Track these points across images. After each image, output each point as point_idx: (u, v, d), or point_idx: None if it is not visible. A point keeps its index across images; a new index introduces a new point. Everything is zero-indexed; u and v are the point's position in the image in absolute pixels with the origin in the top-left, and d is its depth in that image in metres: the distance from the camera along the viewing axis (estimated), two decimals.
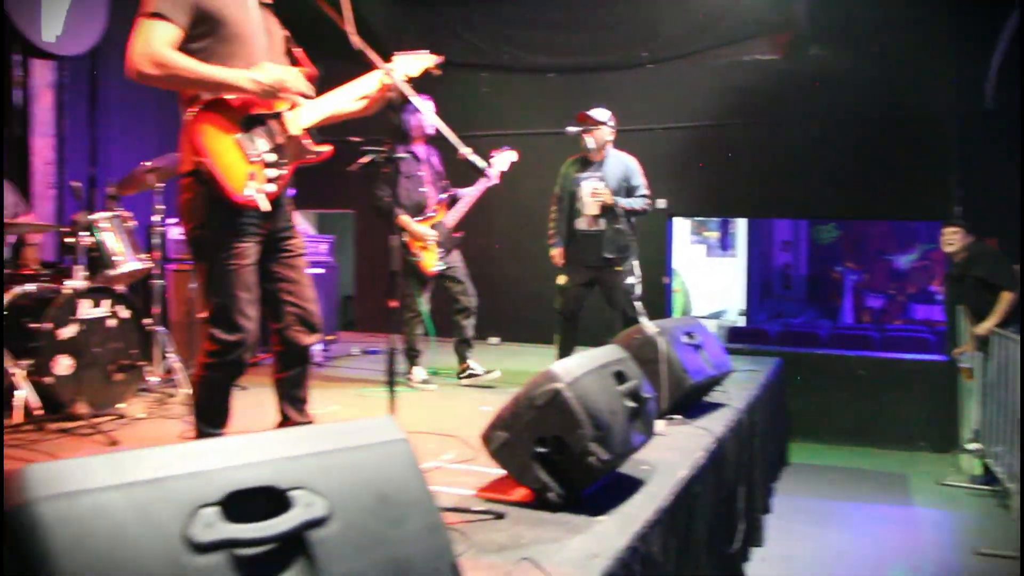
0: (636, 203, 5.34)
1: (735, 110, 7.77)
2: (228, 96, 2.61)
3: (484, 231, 7.61)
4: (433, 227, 5.34)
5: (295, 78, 2.69)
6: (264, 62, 2.66)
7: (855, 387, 7.51)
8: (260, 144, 2.67)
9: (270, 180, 2.65)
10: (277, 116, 2.72)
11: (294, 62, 2.85)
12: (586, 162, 5.46)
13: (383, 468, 1.51)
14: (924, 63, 7.22)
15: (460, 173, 5.09)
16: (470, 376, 5.48)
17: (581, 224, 5.39)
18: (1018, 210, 6.17)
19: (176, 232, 5.44)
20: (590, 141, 5.38)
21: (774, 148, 7.71)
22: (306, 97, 2.77)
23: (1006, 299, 6.04)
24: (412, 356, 5.44)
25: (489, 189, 5.43)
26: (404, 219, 5.18)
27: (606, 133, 5.41)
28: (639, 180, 5.42)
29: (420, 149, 5.44)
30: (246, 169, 2.61)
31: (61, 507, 1.13)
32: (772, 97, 7.67)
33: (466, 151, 2.96)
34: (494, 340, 8.05)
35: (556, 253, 5.57)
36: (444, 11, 8.45)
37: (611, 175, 5.35)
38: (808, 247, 14.07)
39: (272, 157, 2.67)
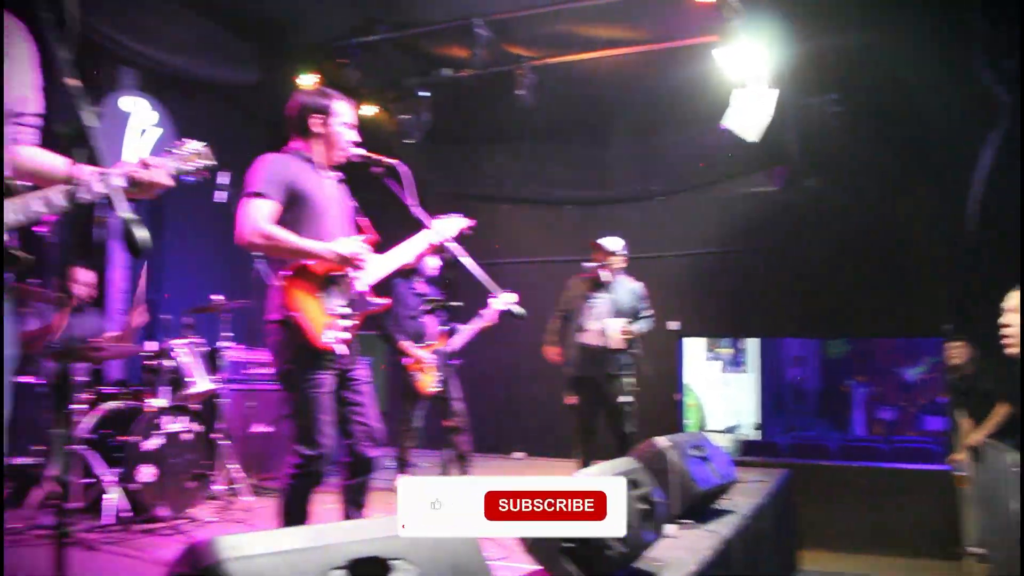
0: (645, 326, 5.91)
1: (739, 238, 8.46)
2: (310, 262, 3.25)
3: (508, 351, 8.15)
4: (433, 353, 5.82)
5: (363, 249, 3.31)
6: (340, 236, 3.32)
7: (863, 497, 7.82)
8: (335, 301, 3.29)
9: (344, 329, 3.27)
10: (347, 278, 3.35)
11: (360, 229, 3.50)
12: (596, 284, 5.94)
13: (457, 548, 2.09)
14: (910, 188, 7.82)
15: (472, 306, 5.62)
16: None
17: (588, 339, 5.83)
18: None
19: (234, 355, 6.05)
20: (605, 275, 5.89)
21: (777, 272, 8.33)
22: (369, 262, 3.38)
23: (1000, 412, 6.40)
24: (403, 466, 5.96)
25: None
26: (404, 344, 5.75)
27: (617, 262, 5.95)
28: (645, 303, 5.99)
29: (422, 286, 6.02)
30: (325, 321, 3.23)
31: (241, 566, 1.70)
32: (773, 225, 8.35)
33: (506, 304, 3.57)
34: (519, 455, 8.46)
35: (552, 351, 6.06)
36: (468, 148, 9.24)
37: (622, 300, 5.90)
38: (819, 362, 14.54)
39: (345, 311, 3.29)
